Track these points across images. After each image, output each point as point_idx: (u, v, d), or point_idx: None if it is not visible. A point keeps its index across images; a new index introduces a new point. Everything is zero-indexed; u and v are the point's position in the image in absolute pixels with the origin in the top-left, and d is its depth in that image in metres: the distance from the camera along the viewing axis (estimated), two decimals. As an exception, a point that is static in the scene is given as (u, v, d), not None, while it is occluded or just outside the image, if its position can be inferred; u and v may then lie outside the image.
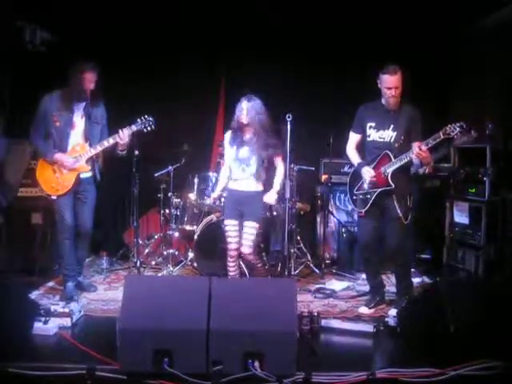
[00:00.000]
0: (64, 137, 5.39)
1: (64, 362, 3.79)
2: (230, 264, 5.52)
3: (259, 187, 5.50)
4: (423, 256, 6.89)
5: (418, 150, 4.84)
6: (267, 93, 6.96)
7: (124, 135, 5.38)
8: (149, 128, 5.45)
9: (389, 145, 5.11)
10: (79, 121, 5.45)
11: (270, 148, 5.36)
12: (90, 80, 5.34)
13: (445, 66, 7.06)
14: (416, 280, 5.92)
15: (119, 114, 5.79)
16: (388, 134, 5.13)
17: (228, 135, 5.51)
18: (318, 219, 7.39)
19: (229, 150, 5.49)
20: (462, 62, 7.00)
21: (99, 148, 5.40)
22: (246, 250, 5.41)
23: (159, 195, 6.74)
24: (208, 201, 6.35)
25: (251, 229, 5.41)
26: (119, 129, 5.41)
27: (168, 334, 3.69)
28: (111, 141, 5.39)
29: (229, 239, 5.51)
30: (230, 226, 5.50)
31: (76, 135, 5.44)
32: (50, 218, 6.14)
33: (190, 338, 3.68)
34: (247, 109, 5.26)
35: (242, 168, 5.41)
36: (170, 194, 6.56)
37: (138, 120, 5.44)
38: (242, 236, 5.45)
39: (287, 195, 5.84)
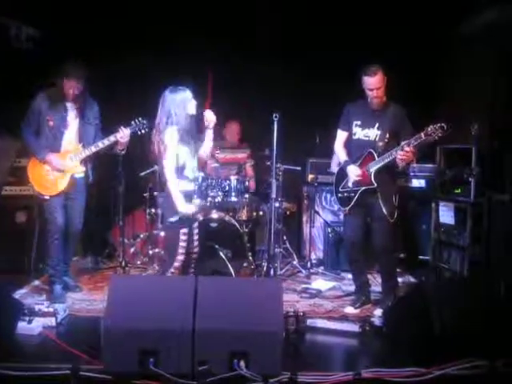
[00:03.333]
0: (58, 136, 5.35)
1: (48, 361, 3.75)
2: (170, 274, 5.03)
3: None
4: (408, 256, 6.89)
5: (400, 152, 4.86)
6: (254, 92, 7.02)
7: (125, 134, 5.34)
8: (143, 131, 5.39)
9: (374, 143, 5.13)
10: (73, 121, 5.42)
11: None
12: (71, 87, 5.26)
13: (432, 66, 7.08)
14: (401, 279, 5.93)
15: (107, 112, 5.76)
16: (373, 133, 5.15)
17: (174, 132, 4.82)
18: (304, 219, 7.40)
19: (181, 149, 4.88)
20: (449, 62, 7.02)
21: (93, 149, 5.36)
22: (196, 253, 5.21)
23: (145, 194, 6.72)
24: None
25: (197, 229, 5.22)
26: (110, 129, 5.39)
27: (153, 334, 3.66)
28: (106, 142, 5.36)
29: (182, 250, 4.96)
30: (186, 235, 4.95)
31: (69, 135, 5.41)
32: (34, 216, 6.11)
33: (175, 338, 3.66)
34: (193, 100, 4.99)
35: (192, 164, 5.01)
36: (155, 194, 6.53)
37: (132, 123, 5.39)
38: (192, 239, 5.14)
39: (273, 195, 5.86)
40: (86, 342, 4.10)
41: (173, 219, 4.85)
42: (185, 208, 4.84)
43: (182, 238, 4.94)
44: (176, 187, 4.84)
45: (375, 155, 5.08)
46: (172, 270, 5.01)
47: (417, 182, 6.77)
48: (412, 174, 6.62)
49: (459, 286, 4.91)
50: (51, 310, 4.63)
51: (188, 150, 4.95)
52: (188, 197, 4.99)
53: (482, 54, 6.27)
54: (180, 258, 4.99)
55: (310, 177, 7.19)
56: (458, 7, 6.31)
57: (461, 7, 6.29)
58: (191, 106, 4.94)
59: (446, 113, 6.75)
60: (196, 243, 5.20)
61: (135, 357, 3.62)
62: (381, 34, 6.84)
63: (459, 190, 6.05)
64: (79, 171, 5.44)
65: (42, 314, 4.55)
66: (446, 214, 6.27)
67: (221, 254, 5.89)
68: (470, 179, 5.84)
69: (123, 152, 5.61)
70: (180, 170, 4.92)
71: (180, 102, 4.88)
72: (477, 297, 4.39)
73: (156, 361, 3.62)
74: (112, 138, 5.35)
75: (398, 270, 5.73)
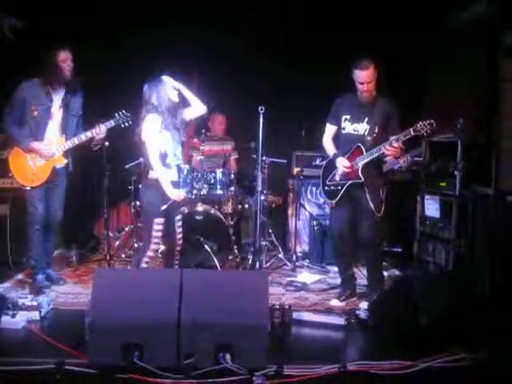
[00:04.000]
0: (41, 127, 5.30)
1: (32, 356, 3.73)
2: (145, 264, 5.03)
3: None
4: (394, 249, 6.91)
5: (387, 147, 4.88)
6: (239, 85, 6.99)
7: (101, 130, 5.34)
8: (126, 124, 5.39)
9: (362, 138, 5.14)
10: (57, 112, 5.37)
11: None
12: (65, 60, 5.25)
13: (418, 60, 7.08)
14: (386, 273, 5.95)
15: (92, 104, 5.72)
16: (362, 127, 5.15)
17: (156, 119, 4.87)
18: (290, 212, 7.39)
19: (164, 135, 4.91)
20: (435, 57, 7.04)
21: (76, 141, 5.33)
22: (180, 245, 5.22)
23: (130, 187, 6.68)
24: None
25: (180, 222, 5.23)
26: (93, 120, 5.37)
27: (138, 327, 3.65)
28: (89, 135, 5.34)
29: (156, 240, 4.98)
30: (160, 225, 4.96)
31: (53, 126, 5.36)
32: (16, 209, 6.03)
33: (160, 331, 3.65)
34: (175, 87, 5.00)
35: (174, 153, 5.04)
36: (140, 186, 6.47)
37: (116, 115, 5.38)
38: (174, 231, 5.16)
39: (259, 188, 5.85)
40: (71, 335, 4.07)
41: (164, 207, 4.90)
42: (173, 193, 4.88)
43: (156, 227, 4.95)
44: (163, 173, 4.89)
45: (363, 149, 5.09)
46: (145, 259, 5.02)
47: (402, 175, 6.78)
48: (398, 166, 6.61)
49: (444, 279, 4.95)
50: (35, 303, 4.59)
51: (170, 137, 4.98)
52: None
53: (467, 50, 6.28)
54: (154, 247, 5.01)
55: (296, 170, 7.19)
56: (445, 4, 6.32)
57: (449, 4, 6.30)
58: (173, 93, 4.97)
59: (432, 107, 6.78)
60: (179, 236, 5.19)
61: (120, 350, 3.60)
62: (369, 29, 6.83)
63: (445, 184, 6.05)
64: (63, 163, 5.41)
65: (25, 308, 4.50)
66: (432, 208, 6.28)
67: (206, 246, 5.90)
68: (456, 173, 5.85)
69: (97, 147, 5.60)
70: (162, 158, 4.94)
71: (161, 90, 4.93)
72: (461, 289, 4.42)
73: (141, 354, 3.60)
74: (89, 134, 5.35)
75: (384, 263, 5.76)
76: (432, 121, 4.72)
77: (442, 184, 6.09)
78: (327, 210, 7.00)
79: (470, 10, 6.22)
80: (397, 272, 6.40)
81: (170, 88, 4.96)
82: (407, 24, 6.81)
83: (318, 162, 7.11)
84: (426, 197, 6.34)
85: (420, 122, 4.76)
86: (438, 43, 6.97)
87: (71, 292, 5.47)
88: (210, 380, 3.53)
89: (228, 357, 3.62)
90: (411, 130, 4.82)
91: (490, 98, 5.92)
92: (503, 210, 5.02)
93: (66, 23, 6.56)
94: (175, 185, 5.02)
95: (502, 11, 5.57)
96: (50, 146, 5.29)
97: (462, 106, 6.22)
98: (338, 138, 5.37)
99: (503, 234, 4.97)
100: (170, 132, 4.98)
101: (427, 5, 6.49)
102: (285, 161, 6.90)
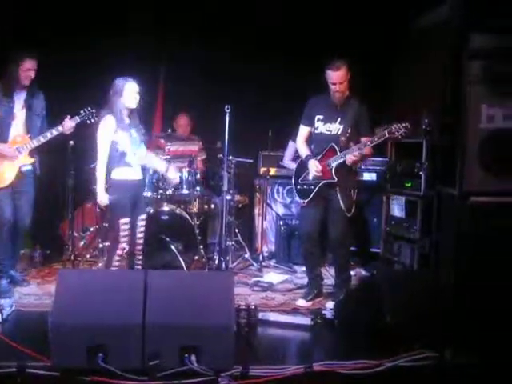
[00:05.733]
0: (5, 128, 5.23)
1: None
2: (117, 262, 5.04)
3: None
4: (359, 249, 6.94)
5: (364, 149, 4.90)
6: (205, 84, 6.97)
7: (68, 126, 5.30)
8: (92, 120, 5.35)
9: (336, 138, 5.15)
10: (20, 112, 5.32)
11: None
12: (30, 69, 5.20)
13: (384, 60, 7.13)
14: (352, 272, 5.97)
15: (58, 103, 5.65)
16: (335, 127, 5.17)
17: (110, 120, 4.90)
18: (256, 212, 7.38)
19: (120, 135, 4.93)
20: (402, 59, 7.09)
21: (42, 140, 5.27)
22: (141, 244, 5.21)
23: (95, 186, 6.59)
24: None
25: (144, 221, 5.22)
26: (59, 119, 5.31)
27: (102, 329, 3.60)
28: (54, 132, 5.29)
29: (124, 239, 4.99)
30: (127, 224, 4.99)
31: (17, 126, 5.30)
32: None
33: (125, 333, 3.61)
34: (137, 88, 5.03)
35: (134, 152, 5.03)
36: (105, 186, 6.40)
37: (82, 112, 5.35)
38: (135, 232, 5.13)
39: (225, 187, 5.83)
40: (34, 338, 4.00)
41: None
42: (102, 198, 4.98)
43: (122, 227, 4.94)
44: (101, 174, 4.97)
45: (337, 150, 5.10)
46: (116, 257, 5.00)
47: (368, 176, 6.81)
48: (363, 167, 6.65)
49: (409, 279, 4.98)
50: (-4, 305, 4.52)
51: (128, 137, 4.98)
52: (132, 187, 5.03)
53: (434, 50, 6.33)
54: (122, 246, 4.99)
55: (262, 170, 7.18)
56: (412, 7, 6.37)
57: (414, 6, 6.35)
58: (131, 97, 4.96)
59: (398, 107, 6.82)
60: (140, 235, 5.15)
61: (84, 352, 3.55)
62: (338, 30, 6.86)
63: (410, 184, 6.10)
64: (29, 162, 5.34)
65: (-14, 310, 4.43)
66: (397, 208, 6.33)
67: (172, 247, 5.86)
68: (421, 173, 5.90)
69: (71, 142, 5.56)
70: (120, 157, 4.95)
71: (120, 91, 4.93)
72: (426, 289, 4.45)
73: (105, 356, 3.55)
74: (60, 128, 5.30)
75: (351, 263, 5.79)
76: (407, 123, 4.75)
77: (407, 184, 6.15)
78: (294, 209, 7.04)
79: (435, 13, 6.27)
80: (363, 272, 6.43)
81: (130, 90, 4.95)
82: (375, 26, 6.84)
83: (284, 162, 7.12)
84: (392, 197, 6.39)
85: (395, 125, 4.78)
86: (404, 45, 7.02)
87: (35, 293, 5.40)
88: (176, 381, 3.49)
89: (193, 358, 3.59)
90: (386, 132, 4.83)
91: (455, 100, 5.98)
92: (467, 211, 5.08)
93: (35, 21, 6.48)
94: (139, 184, 5.10)
95: (466, 14, 5.64)
96: (13, 147, 5.22)
97: (428, 109, 6.27)
98: (311, 138, 5.38)
99: (467, 234, 5.03)
100: (128, 132, 4.98)
101: (394, 7, 6.53)
102: (251, 160, 6.88)
